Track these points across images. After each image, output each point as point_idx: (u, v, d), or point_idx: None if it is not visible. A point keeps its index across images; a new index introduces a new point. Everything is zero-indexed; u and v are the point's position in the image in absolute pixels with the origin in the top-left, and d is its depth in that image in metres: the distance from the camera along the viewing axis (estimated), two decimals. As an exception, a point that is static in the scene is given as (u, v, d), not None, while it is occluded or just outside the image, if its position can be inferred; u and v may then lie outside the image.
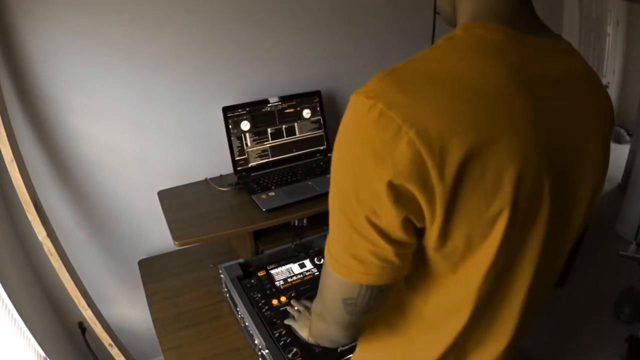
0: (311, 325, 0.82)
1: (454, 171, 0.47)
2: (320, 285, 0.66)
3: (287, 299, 1.26)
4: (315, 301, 0.73)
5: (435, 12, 0.73)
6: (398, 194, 0.48)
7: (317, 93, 1.75)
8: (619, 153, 3.42)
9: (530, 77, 0.52)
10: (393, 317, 0.70)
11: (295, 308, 1.17)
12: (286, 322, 1.15)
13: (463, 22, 0.56)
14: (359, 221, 0.51)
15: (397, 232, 0.51)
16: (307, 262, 1.41)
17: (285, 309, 1.22)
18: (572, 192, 0.58)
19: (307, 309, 1.14)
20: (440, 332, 0.64)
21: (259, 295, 1.28)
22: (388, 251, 0.52)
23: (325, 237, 1.53)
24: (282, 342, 1.12)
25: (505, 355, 0.68)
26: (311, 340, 1.02)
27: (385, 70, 0.51)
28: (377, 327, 0.73)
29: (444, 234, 0.52)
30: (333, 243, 0.57)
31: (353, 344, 1.10)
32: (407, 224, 0.51)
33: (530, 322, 0.69)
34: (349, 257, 0.54)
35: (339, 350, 1.10)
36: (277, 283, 1.33)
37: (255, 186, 1.58)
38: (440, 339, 0.65)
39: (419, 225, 0.52)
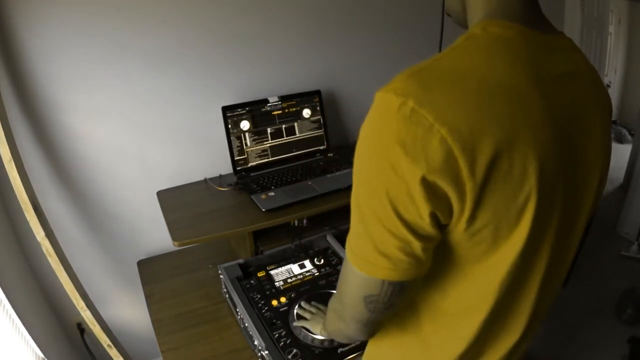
0: (326, 322, 0.84)
1: (484, 168, 0.49)
2: (339, 284, 0.67)
3: (287, 299, 1.26)
4: (334, 299, 0.74)
5: (444, 13, 0.75)
6: (430, 190, 0.49)
7: (317, 93, 1.74)
8: (621, 153, 3.40)
9: (542, 73, 0.54)
10: (402, 315, 0.70)
11: (307, 309, 1.18)
12: (296, 324, 1.15)
13: (480, 21, 0.58)
14: (388, 218, 0.52)
15: (426, 227, 0.52)
16: (307, 262, 1.40)
17: (285, 311, 1.21)
18: (581, 182, 0.60)
19: (320, 310, 1.15)
20: (459, 329, 0.65)
21: (259, 296, 1.27)
22: (416, 246, 0.53)
23: (325, 237, 1.53)
24: (282, 343, 1.11)
25: (517, 347, 0.68)
26: (324, 334, 1.05)
27: (410, 69, 0.52)
28: (387, 325, 0.73)
29: (471, 228, 0.53)
30: (357, 240, 0.57)
31: (354, 344, 1.10)
32: (434, 219, 0.52)
33: (542, 315, 0.70)
34: (375, 254, 0.55)
35: (339, 352, 1.09)
36: (276, 284, 1.32)
37: (254, 186, 1.57)
38: (460, 337, 0.65)
39: (443, 221, 0.53)
